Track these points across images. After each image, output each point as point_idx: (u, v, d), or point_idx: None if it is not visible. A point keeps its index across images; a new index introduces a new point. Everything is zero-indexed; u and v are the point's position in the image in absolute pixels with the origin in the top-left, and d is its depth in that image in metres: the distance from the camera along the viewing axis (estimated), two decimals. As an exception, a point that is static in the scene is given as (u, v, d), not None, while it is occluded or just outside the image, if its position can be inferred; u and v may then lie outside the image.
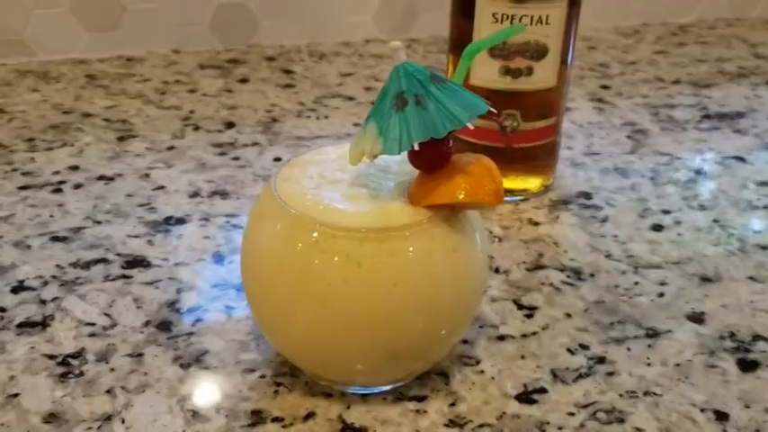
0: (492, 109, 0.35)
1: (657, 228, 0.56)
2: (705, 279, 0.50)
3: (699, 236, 0.55)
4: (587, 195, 0.59)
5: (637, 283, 0.49)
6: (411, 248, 0.35)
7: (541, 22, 0.51)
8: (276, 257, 0.37)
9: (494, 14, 0.51)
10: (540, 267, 0.51)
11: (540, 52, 0.52)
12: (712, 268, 0.51)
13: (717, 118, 0.73)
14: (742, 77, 0.84)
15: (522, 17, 0.51)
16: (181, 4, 0.84)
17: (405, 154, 0.36)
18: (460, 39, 0.54)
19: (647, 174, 0.63)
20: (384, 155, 0.34)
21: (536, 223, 0.55)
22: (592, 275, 0.50)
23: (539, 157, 0.57)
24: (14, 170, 0.61)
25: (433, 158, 0.36)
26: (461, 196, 0.35)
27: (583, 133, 0.70)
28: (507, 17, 0.51)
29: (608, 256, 0.52)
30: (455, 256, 0.37)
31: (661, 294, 0.48)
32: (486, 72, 0.53)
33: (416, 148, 0.33)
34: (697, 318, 0.47)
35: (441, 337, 0.38)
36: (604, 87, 0.79)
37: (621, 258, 0.52)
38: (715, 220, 0.57)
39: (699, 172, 0.64)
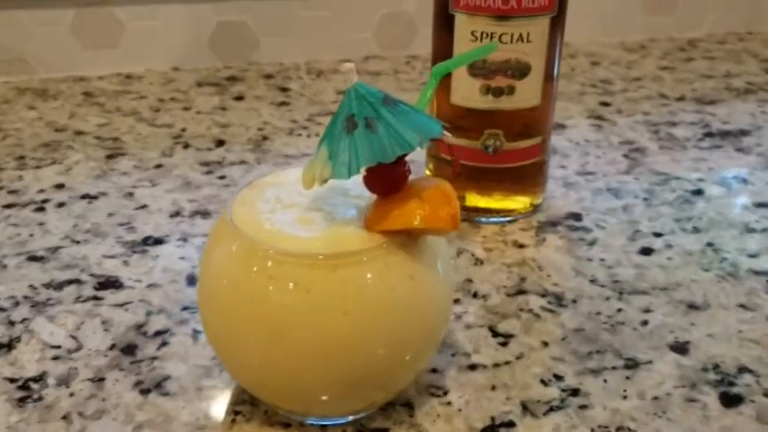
0: (446, 133, 0.34)
1: (647, 251, 0.54)
2: (692, 306, 0.48)
3: (689, 260, 0.53)
4: (577, 217, 0.58)
5: (620, 310, 0.48)
6: (366, 275, 0.34)
7: (522, 40, 0.50)
8: (229, 284, 0.36)
9: (473, 32, 0.50)
10: (521, 292, 0.49)
11: (521, 70, 0.51)
12: (701, 295, 0.49)
13: (719, 136, 0.71)
14: (749, 93, 0.82)
15: (501, 35, 0.49)
16: (180, 22, 0.84)
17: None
18: (440, 56, 0.53)
19: (641, 194, 0.61)
20: (334, 179, 0.33)
21: (521, 245, 0.54)
22: (574, 301, 0.48)
23: (526, 176, 0.55)
24: (1, 188, 0.61)
25: (387, 182, 0.35)
26: (416, 222, 0.34)
27: (578, 152, 0.68)
28: (487, 35, 0.50)
29: (593, 281, 0.50)
30: (412, 283, 0.35)
31: (644, 322, 0.47)
32: (467, 91, 0.51)
33: (363, 173, 0.32)
34: (680, 348, 0.45)
35: (401, 366, 0.37)
36: (604, 104, 0.78)
37: (606, 283, 0.50)
38: (708, 244, 0.55)
39: (695, 192, 0.62)
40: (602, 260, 0.53)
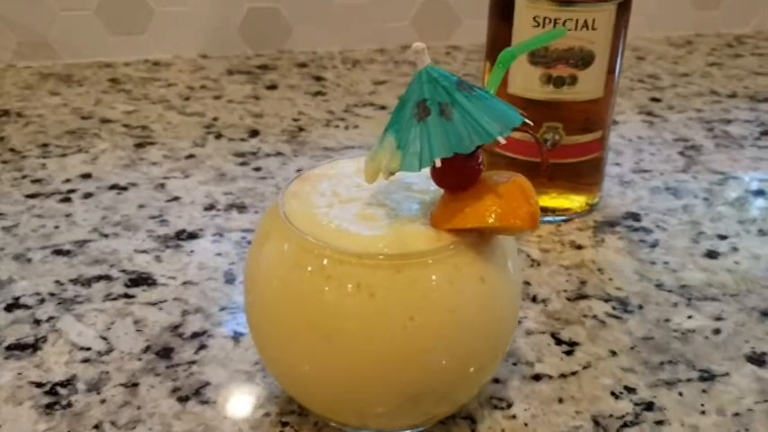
0: (528, 121, 0.31)
1: (712, 254, 0.50)
2: (766, 314, 0.45)
3: (758, 265, 0.49)
4: (636, 217, 0.54)
5: (690, 317, 0.44)
6: (432, 278, 0.31)
7: (587, 27, 0.46)
8: (280, 284, 0.32)
9: (534, 18, 0.46)
10: (583, 297, 0.46)
11: (584, 59, 0.47)
12: (775, 302, 0.46)
13: (778, 134, 0.68)
14: (804, 91, 0.78)
15: (565, 21, 0.46)
16: (210, 7, 0.81)
17: (428, 170, 0.31)
18: (498, 44, 0.49)
19: (701, 194, 0.58)
20: (403, 172, 0.30)
21: (579, 246, 0.50)
22: (640, 307, 0.45)
23: (583, 173, 0.52)
24: (24, 177, 0.58)
25: (459, 176, 0.31)
26: (491, 220, 0.30)
27: (632, 148, 0.64)
28: (549, 21, 0.46)
29: (658, 285, 0.47)
30: (482, 287, 0.32)
31: (717, 331, 0.43)
32: (526, 80, 0.48)
33: (438, 164, 0.29)
34: (758, 359, 0.41)
35: (466, 378, 0.34)
36: (654, 100, 0.74)
37: (673, 288, 0.47)
38: (777, 248, 0.51)
39: (757, 193, 0.58)
40: (666, 263, 0.49)
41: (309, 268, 0.31)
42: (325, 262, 0.31)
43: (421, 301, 0.31)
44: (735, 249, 0.51)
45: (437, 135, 0.29)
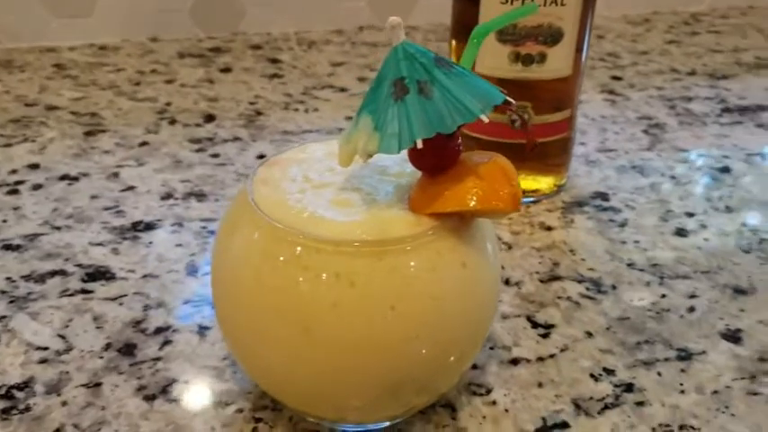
0: (509, 99, 0.29)
1: (682, 233, 0.50)
2: (739, 291, 0.45)
3: (728, 242, 0.49)
4: (604, 196, 0.54)
5: (664, 296, 0.44)
6: (414, 265, 0.29)
7: (556, 3, 0.45)
8: (252, 275, 0.31)
9: (502, -6, 0.45)
10: (556, 278, 0.45)
11: (554, 36, 0.46)
12: (745, 278, 0.46)
13: (737, 111, 0.68)
14: (761, 68, 0.78)
15: (534, -3, 0.45)
16: (158, -12, 0.78)
17: (405, 152, 0.30)
18: (464, 23, 0.48)
19: (667, 172, 0.57)
20: (381, 154, 0.29)
21: (549, 228, 0.50)
22: (613, 287, 0.44)
23: (551, 154, 0.51)
24: (-32, 169, 0.55)
25: (438, 158, 0.30)
26: (473, 203, 0.29)
27: (596, 128, 0.64)
28: (518, -3, 0.45)
29: (630, 264, 0.46)
30: (464, 272, 0.31)
31: (691, 309, 0.43)
32: (495, 59, 0.47)
33: (420, 145, 0.27)
34: (733, 336, 0.41)
35: (447, 367, 0.32)
36: (616, 78, 0.74)
37: (645, 267, 0.46)
38: (743, 224, 0.51)
39: (722, 170, 0.58)
40: (637, 242, 0.49)
41: (283, 258, 0.30)
42: (300, 251, 0.29)
43: (402, 289, 0.29)
44: (703, 227, 0.51)
45: (417, 114, 0.28)
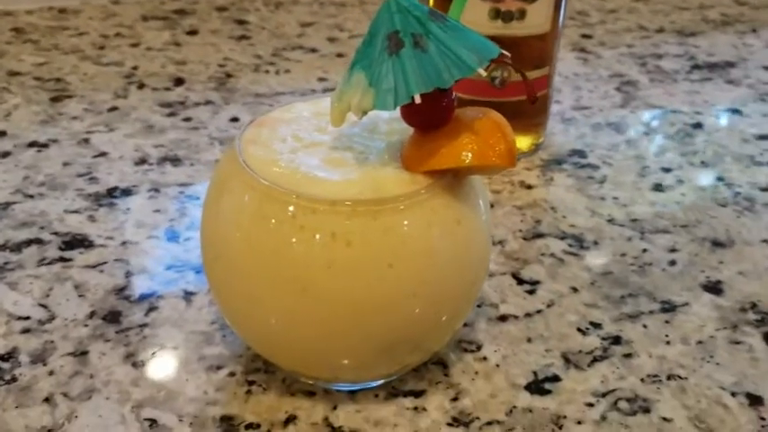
0: (504, 51, 0.29)
1: (659, 188, 0.51)
2: (717, 243, 0.45)
3: (704, 195, 0.50)
4: (581, 154, 0.54)
5: (645, 251, 0.44)
6: (407, 223, 0.29)
7: (536, -42, 0.45)
8: (244, 236, 0.30)
9: (482, -52, 0.45)
10: (539, 236, 0.45)
11: (533, -8, 0.46)
12: (723, 231, 0.46)
13: (707, 68, 0.68)
14: (727, 25, 0.79)
15: (514, -50, 0.44)
16: (118, -52, 0.76)
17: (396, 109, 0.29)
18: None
19: (641, 129, 0.58)
20: (375, 110, 0.28)
21: (529, 186, 0.50)
22: (596, 243, 0.45)
23: (531, 112, 0.51)
24: (-70, 137, 0.53)
25: (432, 114, 0.30)
26: (468, 159, 0.29)
27: (569, 86, 0.64)
28: (498, -49, 0.44)
29: (610, 220, 0.47)
30: (459, 229, 0.31)
31: (672, 262, 0.44)
32: (474, 15, 0.46)
33: (418, 100, 0.27)
34: (714, 288, 0.42)
35: (442, 325, 0.33)
36: (586, 36, 0.74)
37: (625, 223, 0.47)
38: (719, 178, 0.52)
39: (695, 126, 0.59)
40: (616, 198, 0.49)
41: (277, 219, 0.29)
42: (295, 211, 0.29)
43: (399, 248, 0.29)
44: (680, 182, 0.51)
45: (413, 69, 0.27)
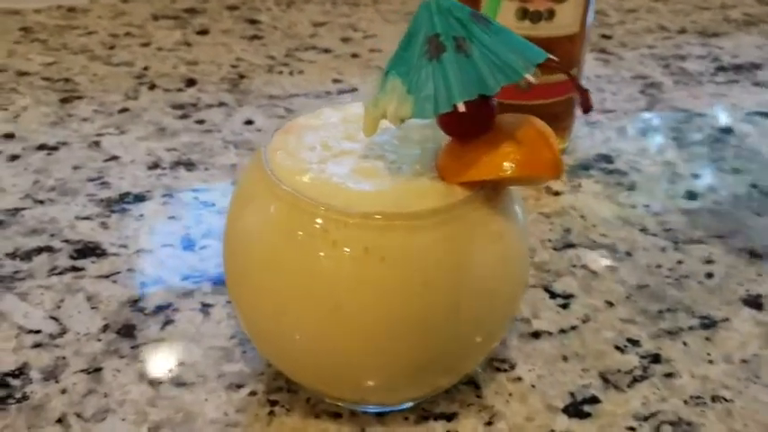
0: (552, 56, 0.27)
1: (692, 195, 0.49)
2: (755, 255, 0.43)
3: (738, 204, 0.48)
4: (608, 159, 0.52)
5: (680, 262, 0.43)
6: (446, 238, 0.27)
7: (567, -44, 0.43)
8: (269, 249, 0.28)
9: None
10: (569, 246, 0.43)
11: (564, -8, 0.44)
12: (759, 242, 0.45)
13: (732, 70, 0.67)
14: (750, 26, 0.77)
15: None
16: (128, -55, 0.74)
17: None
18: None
19: (669, 133, 0.56)
20: (413, 119, 0.26)
21: (556, 193, 0.48)
22: (628, 254, 0.43)
23: (558, 115, 0.49)
24: (-64, 140, 0.52)
25: (473, 122, 0.28)
26: (510, 170, 0.27)
27: (592, 88, 0.62)
28: (528, -51, 0.43)
29: (643, 230, 0.45)
30: (498, 245, 0.29)
31: (709, 275, 0.42)
32: (501, 15, 0.44)
33: (461, 108, 0.25)
34: (754, 302, 0.40)
35: (476, 345, 0.31)
36: (606, 37, 0.72)
37: (658, 232, 0.45)
38: (753, 185, 0.50)
39: (724, 130, 0.57)
40: (647, 206, 0.47)
41: (306, 232, 0.27)
42: (325, 224, 0.27)
43: (436, 265, 0.27)
44: (712, 189, 0.49)
45: (455, 75, 0.25)
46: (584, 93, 0.27)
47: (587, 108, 0.27)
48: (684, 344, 0.37)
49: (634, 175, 0.50)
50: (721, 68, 0.67)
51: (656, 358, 0.36)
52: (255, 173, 0.30)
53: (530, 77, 0.26)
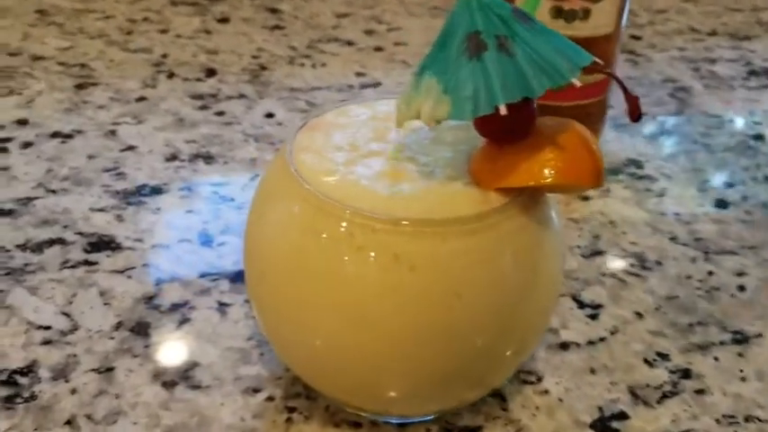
0: (597, 60, 0.26)
1: (722, 204, 0.47)
2: (789, 268, 0.42)
3: (771, 214, 0.47)
4: (637, 164, 0.51)
5: (711, 273, 0.41)
6: (481, 247, 0.26)
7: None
8: (292, 252, 0.27)
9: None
10: (598, 253, 0.42)
11: (600, -10, 0.43)
12: (794, 254, 0.43)
13: (764, 74, 0.65)
14: (782, 29, 0.75)
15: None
16: (148, -71, 0.72)
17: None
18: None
19: (700, 139, 0.54)
20: (450, 120, 0.25)
21: (585, 198, 0.47)
22: (658, 263, 0.42)
23: (590, 118, 0.48)
24: (-51, 124, 0.50)
25: (513, 125, 0.26)
26: (550, 178, 0.26)
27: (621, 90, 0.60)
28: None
29: (673, 238, 0.44)
30: (534, 255, 0.28)
31: (741, 287, 0.40)
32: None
33: (503, 111, 0.24)
34: (789, 318, 0.38)
35: (506, 359, 0.29)
36: (635, 38, 0.70)
37: (688, 242, 0.43)
38: (786, 196, 0.48)
39: (756, 137, 0.55)
40: (677, 215, 0.46)
41: (331, 236, 0.26)
42: (352, 228, 0.26)
43: (470, 275, 0.26)
44: (744, 198, 0.48)
45: (498, 75, 0.24)
46: (633, 99, 0.26)
47: (637, 115, 0.26)
48: (716, 359, 0.36)
49: (663, 182, 0.49)
50: (753, 73, 0.65)
51: (686, 374, 0.35)
52: (279, 171, 0.28)
53: (575, 82, 0.24)
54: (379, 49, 0.64)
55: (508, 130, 0.26)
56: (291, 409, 0.32)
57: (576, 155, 0.26)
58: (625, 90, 0.26)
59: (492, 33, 0.25)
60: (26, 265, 0.39)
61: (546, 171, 0.26)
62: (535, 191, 0.27)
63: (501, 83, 0.24)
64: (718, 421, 0.33)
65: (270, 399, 0.32)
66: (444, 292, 0.26)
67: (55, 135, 0.50)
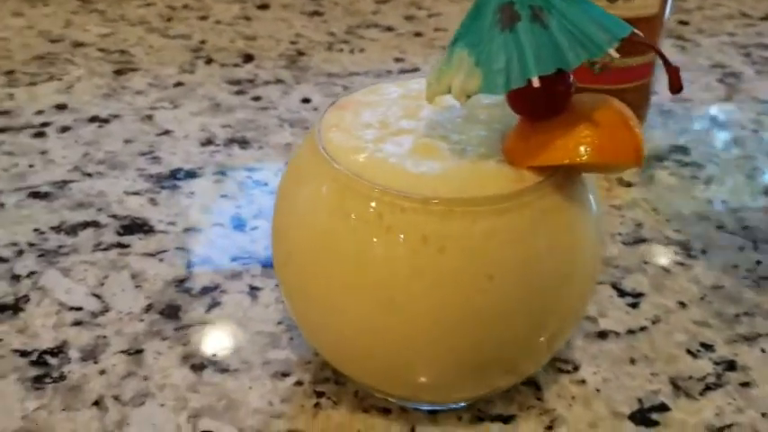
0: (637, 31, 0.25)
1: (773, 192, 0.45)
2: (843, 258, 0.40)
3: (825, 203, 0.45)
4: (684, 150, 0.49)
5: (759, 263, 0.39)
6: (515, 227, 0.25)
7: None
8: (320, 233, 0.27)
9: None
10: (641, 241, 0.40)
11: (644, -32, 0.41)
12: None
13: (819, 60, 0.62)
14: (839, 13, 0.72)
15: None
16: None
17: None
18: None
19: (749, 125, 0.52)
20: (481, 94, 0.24)
21: (628, 184, 0.45)
22: (704, 252, 0.40)
23: (633, 102, 0.46)
24: (-10, 108, 0.51)
25: (548, 100, 0.25)
26: (586, 155, 0.25)
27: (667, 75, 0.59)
28: None
29: (720, 227, 0.42)
30: (570, 236, 0.27)
31: (791, 278, 0.38)
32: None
33: (536, 83, 0.23)
34: (842, 310, 0.37)
35: (540, 345, 0.28)
36: (683, 23, 0.68)
37: (736, 230, 0.42)
38: (840, 184, 0.46)
39: (810, 124, 0.53)
40: (725, 202, 0.44)
41: (359, 216, 0.25)
42: (380, 208, 0.25)
43: (502, 256, 0.25)
44: (796, 186, 0.46)
45: (531, 46, 0.23)
46: (673, 70, 0.24)
47: (677, 87, 0.24)
48: (762, 351, 0.34)
49: (711, 168, 0.47)
50: (807, 58, 0.62)
51: (731, 365, 0.33)
52: (308, 151, 0.28)
53: (612, 53, 0.23)
54: (418, 34, 0.63)
55: (543, 105, 0.25)
56: (320, 394, 0.31)
57: (614, 132, 0.25)
58: (665, 61, 0.25)
59: (526, 3, 0.23)
60: (60, 246, 0.39)
61: (582, 148, 0.25)
62: (571, 170, 0.26)
63: (534, 55, 0.23)
64: (764, 415, 0.31)
65: (298, 383, 0.31)
66: (475, 274, 0.25)
67: (93, 120, 0.50)
